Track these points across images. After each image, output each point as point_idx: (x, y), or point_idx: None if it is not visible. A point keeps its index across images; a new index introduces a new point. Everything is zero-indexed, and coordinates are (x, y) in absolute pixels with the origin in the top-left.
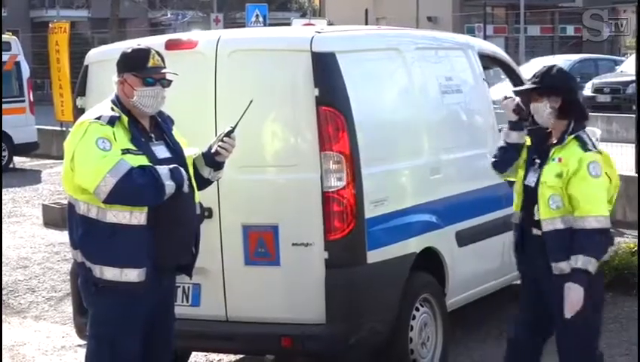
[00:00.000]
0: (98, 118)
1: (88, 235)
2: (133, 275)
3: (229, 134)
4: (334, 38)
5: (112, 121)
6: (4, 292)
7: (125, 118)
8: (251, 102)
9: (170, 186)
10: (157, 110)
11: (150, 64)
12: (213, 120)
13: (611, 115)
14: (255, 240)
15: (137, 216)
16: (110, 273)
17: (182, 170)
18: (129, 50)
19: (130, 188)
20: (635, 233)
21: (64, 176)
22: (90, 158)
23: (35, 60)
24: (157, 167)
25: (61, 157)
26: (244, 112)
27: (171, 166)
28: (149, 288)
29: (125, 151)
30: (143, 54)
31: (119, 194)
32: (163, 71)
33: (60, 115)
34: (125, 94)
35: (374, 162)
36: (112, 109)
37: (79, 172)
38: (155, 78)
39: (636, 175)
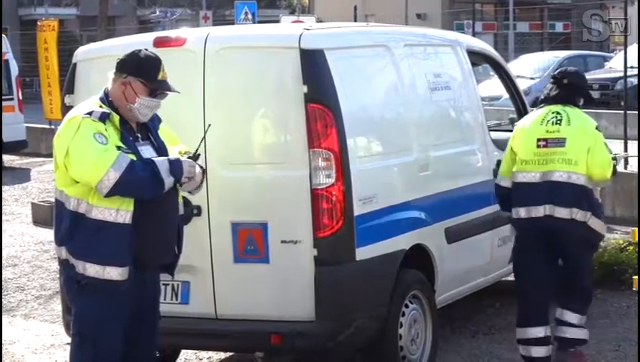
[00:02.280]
0: (89, 114)
1: (75, 231)
2: (115, 273)
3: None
4: (323, 35)
5: (103, 118)
6: None
7: (117, 117)
8: (209, 125)
9: (169, 182)
10: (148, 119)
11: (160, 77)
12: (202, 117)
13: (600, 111)
14: (244, 237)
15: (123, 215)
16: (93, 270)
17: (181, 162)
18: (141, 55)
19: (132, 181)
20: (624, 229)
21: (56, 172)
22: (90, 153)
23: (23, 58)
24: (156, 160)
25: (50, 156)
26: (204, 137)
27: (171, 158)
28: (132, 286)
29: (117, 149)
30: (155, 65)
31: (122, 187)
32: (170, 90)
33: (48, 113)
34: (125, 97)
35: (363, 159)
36: (101, 107)
37: (78, 167)
38: (160, 92)
39: (624, 171)
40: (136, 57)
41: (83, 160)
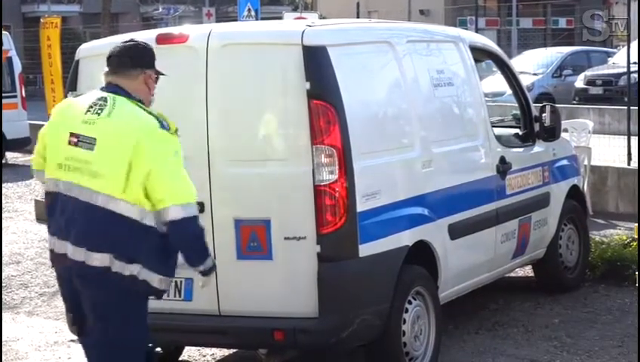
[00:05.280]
0: (163, 127)
1: (148, 246)
2: (166, 283)
3: None
4: (325, 32)
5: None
6: None
7: (174, 126)
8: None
9: (210, 260)
10: None
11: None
12: (205, 114)
13: (603, 107)
14: (247, 234)
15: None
16: (164, 284)
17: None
18: (149, 47)
19: (196, 229)
20: (628, 225)
21: (132, 187)
22: (181, 173)
23: (26, 55)
24: None
25: None
26: None
27: None
28: None
29: None
30: (154, 51)
31: (182, 230)
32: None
33: (51, 110)
34: (150, 91)
35: (366, 155)
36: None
37: (174, 183)
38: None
39: (628, 167)
40: (149, 50)
41: (176, 177)
